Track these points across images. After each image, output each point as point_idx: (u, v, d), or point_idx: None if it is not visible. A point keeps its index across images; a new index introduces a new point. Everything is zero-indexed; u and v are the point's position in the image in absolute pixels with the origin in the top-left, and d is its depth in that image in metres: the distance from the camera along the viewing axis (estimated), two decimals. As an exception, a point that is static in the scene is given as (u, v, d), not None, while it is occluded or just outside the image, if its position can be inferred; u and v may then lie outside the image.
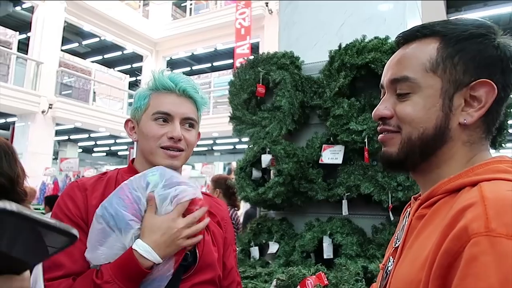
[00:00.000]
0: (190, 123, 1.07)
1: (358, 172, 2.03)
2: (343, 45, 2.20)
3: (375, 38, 2.15)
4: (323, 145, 2.17)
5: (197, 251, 1.02)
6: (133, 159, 1.13)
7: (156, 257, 0.90)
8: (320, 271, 1.55)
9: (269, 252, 2.16)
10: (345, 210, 2.03)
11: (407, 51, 0.68)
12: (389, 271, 0.69)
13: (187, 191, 0.97)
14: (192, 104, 1.09)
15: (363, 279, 1.57)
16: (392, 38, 2.12)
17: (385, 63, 2.13)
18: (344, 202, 2.04)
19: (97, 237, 0.92)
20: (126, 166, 1.13)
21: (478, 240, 0.48)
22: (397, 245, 0.70)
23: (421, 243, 0.60)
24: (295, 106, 2.28)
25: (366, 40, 2.15)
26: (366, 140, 1.95)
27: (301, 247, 2.03)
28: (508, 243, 0.46)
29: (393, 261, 0.69)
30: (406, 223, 0.68)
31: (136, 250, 0.89)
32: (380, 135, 0.71)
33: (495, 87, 0.62)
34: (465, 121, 0.63)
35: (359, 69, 2.12)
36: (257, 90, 2.44)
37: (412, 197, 0.77)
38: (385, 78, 0.71)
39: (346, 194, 2.03)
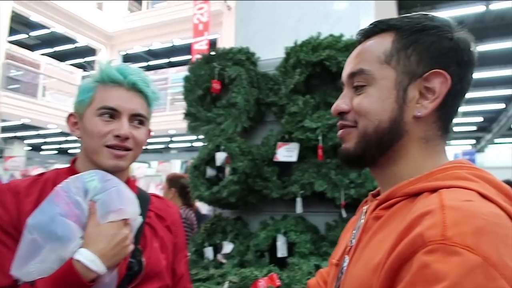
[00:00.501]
0: (139, 120, 0.98)
1: (312, 170, 2.02)
2: (299, 42, 2.19)
3: (330, 35, 2.15)
4: (278, 143, 2.15)
5: (142, 259, 0.95)
6: (75, 158, 1.04)
7: (102, 267, 0.80)
8: (272, 272, 1.52)
9: (223, 252, 2.11)
10: (299, 208, 2.02)
11: (365, 46, 0.69)
12: (344, 270, 0.68)
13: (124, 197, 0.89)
14: (143, 99, 0.99)
15: (316, 278, 1.56)
16: (347, 36, 2.14)
17: (340, 61, 2.14)
18: (298, 200, 2.03)
19: (28, 250, 0.81)
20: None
21: (433, 247, 0.46)
22: (352, 244, 0.68)
23: (375, 246, 0.59)
24: (251, 103, 2.24)
25: (321, 37, 2.15)
26: (320, 137, 1.94)
27: (256, 247, 2.00)
28: (463, 253, 0.45)
29: (349, 261, 0.67)
30: (363, 222, 0.67)
31: (79, 261, 0.78)
32: (339, 131, 0.71)
33: (448, 77, 0.62)
34: (419, 114, 0.63)
35: (314, 66, 2.12)
36: (212, 86, 2.37)
37: (369, 194, 0.76)
38: (344, 74, 0.71)
39: (300, 192, 2.02)
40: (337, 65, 2.03)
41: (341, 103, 0.69)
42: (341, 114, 0.69)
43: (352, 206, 1.98)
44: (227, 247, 2.10)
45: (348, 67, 0.70)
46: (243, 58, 2.35)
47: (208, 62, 2.43)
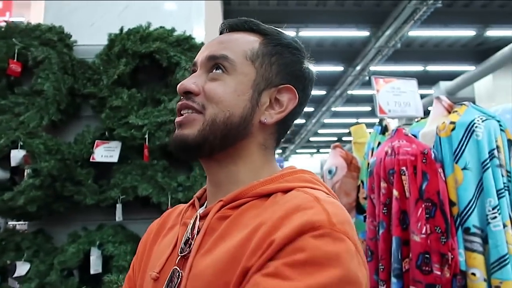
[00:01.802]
0: None
1: (136, 172, 1.81)
2: (125, 30, 1.95)
3: (161, 27, 2.00)
4: (96, 141, 1.85)
5: None
6: None
7: None
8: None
9: (16, 275, 1.68)
10: (119, 215, 1.77)
11: (232, 36, 0.67)
12: (174, 285, 0.59)
13: None
14: None
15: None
16: (178, 32, 2.02)
17: (171, 55, 1.99)
18: (119, 207, 1.78)
19: None
20: None
21: (323, 232, 0.49)
22: (185, 253, 0.61)
23: (226, 245, 0.55)
24: (63, 93, 1.88)
25: (151, 28, 1.97)
26: (146, 136, 1.75)
27: (61, 264, 1.65)
28: (345, 239, 0.49)
29: (179, 273, 0.59)
30: (203, 224, 0.61)
31: None
32: (179, 117, 0.65)
33: (297, 96, 0.66)
34: (265, 120, 0.64)
35: (142, 58, 1.92)
36: (10, 67, 1.90)
37: (194, 197, 0.72)
38: (200, 56, 0.67)
39: (121, 197, 1.77)
40: (168, 60, 1.88)
41: (190, 83, 0.64)
42: (188, 94, 0.64)
43: (179, 211, 1.85)
44: (21, 268, 1.68)
45: (207, 50, 0.66)
46: (54, 38, 1.95)
47: (5, 37, 1.94)
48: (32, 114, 1.82)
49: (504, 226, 1.59)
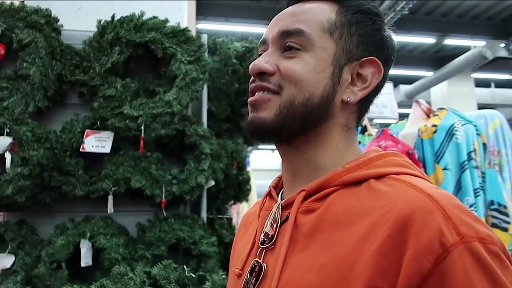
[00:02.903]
0: None
1: (129, 164, 1.78)
2: (117, 17, 1.90)
3: (154, 17, 1.96)
4: (86, 130, 1.80)
5: None
6: None
7: None
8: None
9: (0, 267, 1.60)
10: (110, 208, 1.74)
11: (304, 7, 0.59)
12: (252, 279, 0.55)
13: None
14: None
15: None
16: (172, 23, 1.99)
17: (166, 47, 1.96)
18: (110, 198, 1.74)
19: None
20: None
21: (459, 252, 0.41)
22: (267, 245, 0.56)
23: (324, 246, 0.50)
24: (50, 79, 1.80)
25: (145, 17, 1.93)
26: (142, 127, 1.72)
27: (50, 256, 1.60)
28: (481, 247, 0.42)
29: (263, 265, 0.55)
30: (289, 218, 0.55)
31: None
32: (252, 97, 0.59)
33: (382, 69, 0.59)
34: (348, 99, 0.57)
35: (137, 47, 1.88)
36: (-8, 49, 1.80)
37: (270, 187, 0.66)
38: (271, 32, 0.60)
39: (113, 189, 1.74)
40: (163, 51, 1.86)
41: (264, 62, 0.57)
42: (262, 75, 0.58)
43: (173, 204, 1.84)
44: (6, 261, 1.61)
45: (278, 25, 0.59)
46: (41, 21, 1.86)
47: (-15, 17, 1.83)
48: (17, 99, 1.74)
49: (480, 223, 1.73)
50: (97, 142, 1.77)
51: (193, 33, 2.04)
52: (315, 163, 0.58)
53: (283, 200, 0.59)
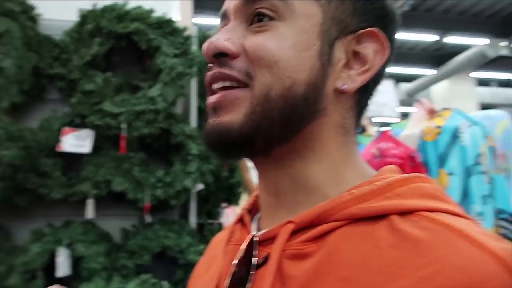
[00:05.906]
0: None
1: (110, 165, 1.65)
2: (99, 6, 1.76)
3: (139, 7, 1.83)
4: (65, 128, 1.66)
5: None
6: None
7: None
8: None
9: (-33, 277, 1.48)
10: (90, 213, 1.61)
11: None
12: None
13: None
14: None
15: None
16: (158, 14, 1.85)
17: (151, 38, 1.81)
18: (90, 202, 1.62)
19: None
20: None
21: None
22: None
23: None
24: (26, 72, 1.67)
25: (129, 7, 1.80)
26: (124, 125, 1.59)
27: (24, 265, 1.47)
28: None
29: None
30: (265, 261, 0.39)
31: None
32: (212, 97, 0.41)
33: (386, 45, 0.42)
34: (344, 86, 0.40)
35: (119, 39, 1.74)
36: (-37, 39, 1.66)
37: (243, 210, 0.49)
38: (233, 0, 0.43)
39: (93, 192, 1.61)
40: (147, 43, 1.73)
41: (224, 39, 0.40)
42: (221, 57, 0.40)
43: (158, 208, 1.71)
44: (-26, 270, 1.48)
45: None
46: (17, 9, 1.73)
47: (-43, 4, 1.69)
48: (-11, 94, 1.60)
49: (488, 232, 1.61)
50: (76, 141, 1.64)
51: (190, 27, 1.91)
52: (303, 181, 0.41)
53: (261, 232, 0.42)
